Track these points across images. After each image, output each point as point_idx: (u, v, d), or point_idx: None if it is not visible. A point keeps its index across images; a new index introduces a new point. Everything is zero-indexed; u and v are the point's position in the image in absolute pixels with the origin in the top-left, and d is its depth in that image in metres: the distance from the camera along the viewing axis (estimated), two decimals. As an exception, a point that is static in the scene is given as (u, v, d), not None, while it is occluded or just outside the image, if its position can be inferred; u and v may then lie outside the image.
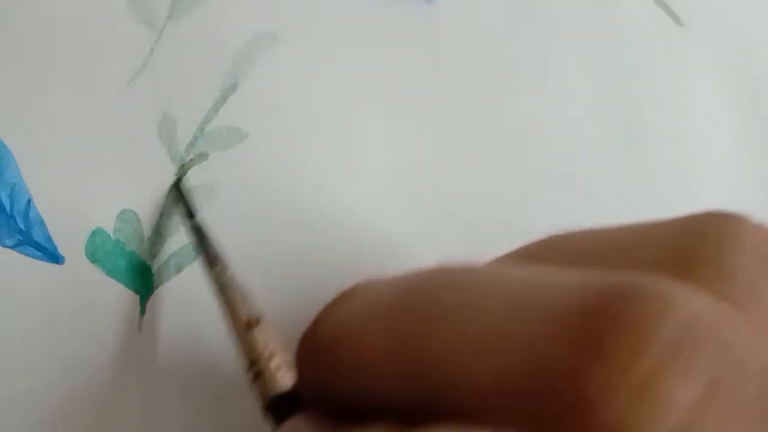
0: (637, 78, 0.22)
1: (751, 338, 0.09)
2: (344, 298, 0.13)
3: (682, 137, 0.22)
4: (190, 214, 0.19)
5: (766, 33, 0.23)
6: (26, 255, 0.19)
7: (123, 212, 0.19)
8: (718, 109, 0.23)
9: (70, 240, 0.19)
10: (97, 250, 0.19)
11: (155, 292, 0.19)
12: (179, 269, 0.19)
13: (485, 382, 0.10)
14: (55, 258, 0.19)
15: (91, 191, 0.19)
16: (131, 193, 0.19)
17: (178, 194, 0.19)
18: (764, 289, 0.10)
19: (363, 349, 0.12)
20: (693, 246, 0.11)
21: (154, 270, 0.19)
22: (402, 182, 0.21)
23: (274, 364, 0.15)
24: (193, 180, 0.20)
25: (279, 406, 0.14)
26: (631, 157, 0.22)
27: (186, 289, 0.19)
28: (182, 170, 0.20)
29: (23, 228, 0.19)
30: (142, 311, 0.19)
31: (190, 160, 0.20)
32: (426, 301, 0.11)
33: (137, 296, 0.19)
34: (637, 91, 0.22)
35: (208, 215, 0.19)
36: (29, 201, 0.19)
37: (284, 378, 0.15)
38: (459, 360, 0.10)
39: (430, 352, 0.10)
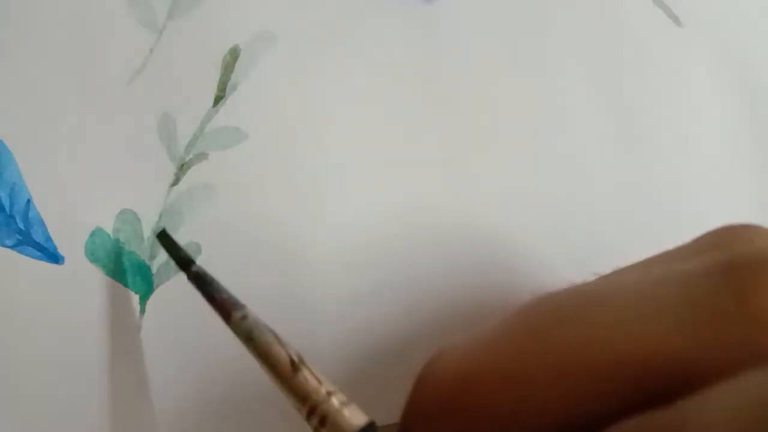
0: (637, 78, 0.22)
1: None
2: (436, 358, 0.13)
3: (681, 137, 0.22)
4: (185, 265, 0.16)
5: (764, 34, 0.23)
6: (26, 255, 0.19)
7: (123, 212, 0.19)
8: (716, 109, 0.23)
9: (69, 240, 0.19)
10: (97, 249, 0.19)
11: (155, 292, 0.19)
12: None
13: (649, 344, 0.11)
14: (54, 258, 0.19)
15: (90, 191, 0.19)
16: (131, 193, 0.19)
17: (165, 246, 0.17)
18: None
19: (506, 380, 0.12)
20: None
21: (153, 270, 0.19)
22: (401, 181, 0.21)
23: (337, 401, 0.13)
24: (192, 180, 0.20)
25: None
26: (630, 156, 0.22)
27: (186, 289, 0.19)
28: (182, 170, 0.20)
29: (23, 228, 0.19)
30: (142, 311, 0.19)
31: (190, 159, 0.20)
32: (552, 313, 0.12)
33: (137, 296, 0.19)
34: (636, 91, 0.22)
35: (207, 215, 0.19)
36: (29, 201, 0.19)
37: (355, 415, 0.13)
38: (620, 336, 0.11)
39: (579, 347, 0.11)
